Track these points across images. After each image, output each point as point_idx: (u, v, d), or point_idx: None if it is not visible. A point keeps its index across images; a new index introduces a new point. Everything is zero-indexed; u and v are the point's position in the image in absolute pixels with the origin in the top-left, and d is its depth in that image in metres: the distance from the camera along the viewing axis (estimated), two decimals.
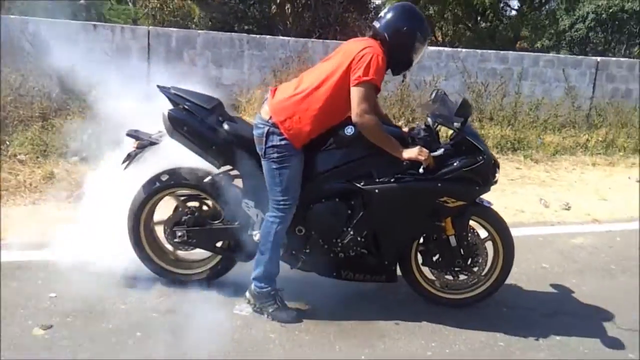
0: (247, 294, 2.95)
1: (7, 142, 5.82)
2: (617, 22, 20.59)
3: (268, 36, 9.41)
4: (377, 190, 2.81)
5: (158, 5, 18.67)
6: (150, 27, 8.71)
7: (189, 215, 3.07)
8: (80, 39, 7.88)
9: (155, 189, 3.03)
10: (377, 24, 2.90)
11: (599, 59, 10.45)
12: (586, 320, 3.16)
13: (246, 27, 13.80)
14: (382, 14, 2.95)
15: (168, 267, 3.17)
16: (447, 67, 9.43)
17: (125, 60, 8.32)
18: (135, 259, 3.14)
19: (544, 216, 5.18)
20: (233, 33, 9.19)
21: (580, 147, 8.26)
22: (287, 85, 2.97)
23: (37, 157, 5.67)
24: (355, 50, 2.77)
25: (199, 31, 9.34)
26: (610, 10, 20.18)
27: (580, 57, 11.14)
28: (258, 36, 9.24)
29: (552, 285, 3.58)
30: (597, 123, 9.36)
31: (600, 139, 8.60)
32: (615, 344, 2.91)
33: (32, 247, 3.70)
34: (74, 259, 3.28)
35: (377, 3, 16.68)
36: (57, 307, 2.86)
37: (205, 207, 3.15)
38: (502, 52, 10.19)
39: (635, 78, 10.37)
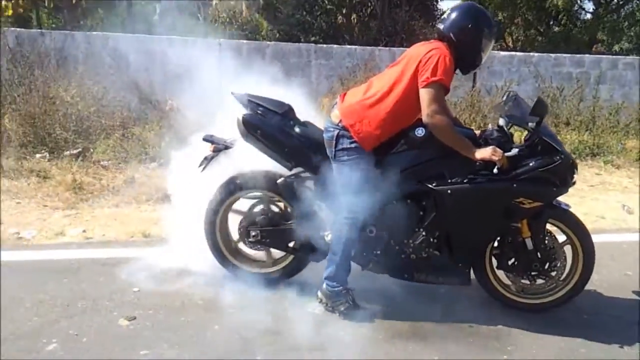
0: (319, 293, 2.98)
1: (91, 149, 6.19)
2: None
3: (335, 45, 9.52)
4: (449, 191, 2.78)
5: (227, 19, 19.40)
6: (221, 39, 9.01)
7: (262, 216, 3.14)
8: (157, 52, 8.27)
9: (230, 191, 3.14)
10: (441, 26, 2.89)
11: None
12: None
13: (313, 38, 14.07)
14: (446, 15, 2.94)
15: (243, 266, 3.26)
16: (519, 72, 9.20)
17: (198, 72, 8.67)
18: (212, 258, 3.26)
19: (627, 223, 4.92)
20: (301, 44, 9.36)
21: None
22: (357, 90, 3.01)
23: (119, 163, 5.99)
24: (422, 53, 2.77)
25: (268, 42, 9.58)
26: None
27: None
28: (325, 45, 9.37)
29: (636, 293, 3.39)
30: None
31: None
32: None
33: (116, 245, 3.94)
34: (156, 256, 3.45)
35: (443, 9, 16.47)
36: (140, 301, 3.01)
37: (277, 209, 3.21)
38: (577, 55, 9.82)
39: None
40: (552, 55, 9.66)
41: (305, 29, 13.38)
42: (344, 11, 14.53)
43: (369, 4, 14.28)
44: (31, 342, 2.59)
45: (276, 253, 3.27)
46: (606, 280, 3.50)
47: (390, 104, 2.79)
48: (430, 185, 2.81)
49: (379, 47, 9.69)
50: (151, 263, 3.39)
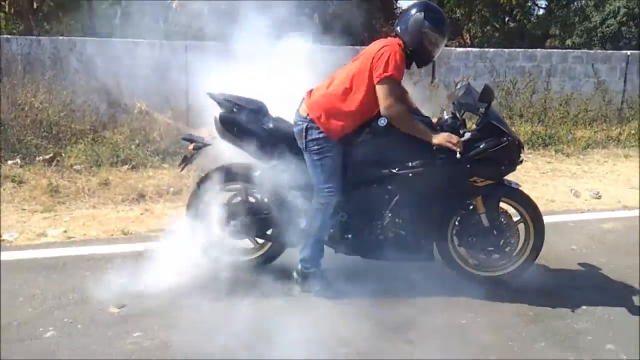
0: (295, 274, 3.25)
1: (63, 154, 6.28)
2: None
3: None
4: (410, 175, 3.08)
5: (189, 22, 19.43)
6: (188, 41, 9.13)
7: (241, 207, 3.38)
8: (123, 56, 8.35)
9: (209, 184, 3.36)
10: (396, 23, 3.19)
11: (629, 52, 10.44)
12: (611, 292, 3.37)
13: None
14: (400, 13, 3.22)
15: (224, 255, 3.48)
16: (476, 67, 9.59)
17: (165, 74, 8.78)
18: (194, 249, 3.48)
19: (574, 205, 5.35)
20: None
21: (612, 141, 8.34)
22: (321, 85, 3.27)
23: (91, 167, 6.10)
24: (374, 51, 3.06)
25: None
26: None
27: (610, 51, 11.13)
28: None
29: (580, 264, 3.77)
30: (628, 116, 9.39)
31: (632, 131, 8.64)
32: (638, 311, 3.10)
33: (98, 243, 4.11)
34: (137, 251, 3.66)
35: (402, 7, 16.89)
36: (127, 290, 3.20)
37: (255, 199, 3.46)
38: (529, 50, 10.31)
39: None
40: (506, 50, 10.10)
41: None
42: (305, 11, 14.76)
43: (331, 4, 14.59)
44: (30, 330, 2.78)
45: (255, 241, 3.52)
46: (554, 254, 3.86)
47: (351, 97, 3.08)
48: (393, 170, 3.11)
49: (343, 47, 9.97)
50: (135, 257, 3.58)
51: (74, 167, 6.11)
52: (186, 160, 3.39)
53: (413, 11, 3.14)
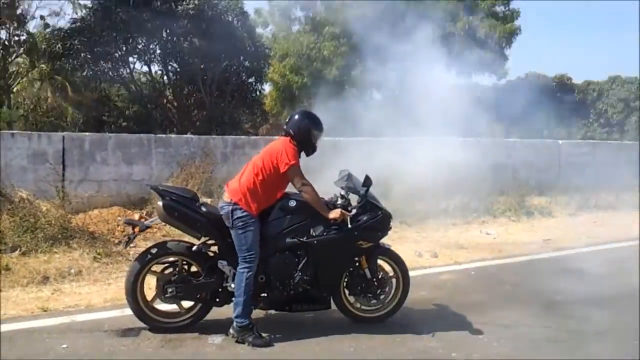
0: (231, 330, 4.04)
1: None
2: None
3: (173, 135, 10.60)
4: (315, 242, 4.15)
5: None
6: (65, 133, 9.50)
7: (176, 276, 4.15)
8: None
9: (148, 259, 4.11)
10: (286, 125, 4.32)
11: None
12: (453, 321, 4.66)
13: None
14: (288, 118, 4.39)
15: (160, 319, 4.17)
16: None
17: (42, 165, 9.00)
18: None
19: (419, 263, 6.77)
20: (142, 134, 10.23)
21: (443, 212, 10.19)
22: (235, 178, 4.28)
23: None
24: (276, 148, 4.17)
25: (110, 134, 10.27)
26: None
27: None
28: (164, 135, 10.40)
29: (430, 304, 5.06)
30: (451, 192, 11.49)
31: (456, 204, 10.62)
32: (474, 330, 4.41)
33: (26, 319, 4.52)
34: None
35: (262, 100, 18.50)
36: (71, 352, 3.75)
37: (188, 269, 4.23)
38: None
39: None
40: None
41: (141, 120, 14.28)
42: (175, 104, 15.71)
43: (195, 95, 15.73)
44: None
45: (186, 304, 4.25)
46: (410, 297, 5.01)
47: (262, 183, 4.10)
48: (302, 239, 4.15)
49: (213, 136, 11.00)
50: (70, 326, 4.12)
51: None
52: (130, 240, 4.11)
53: (298, 117, 4.31)
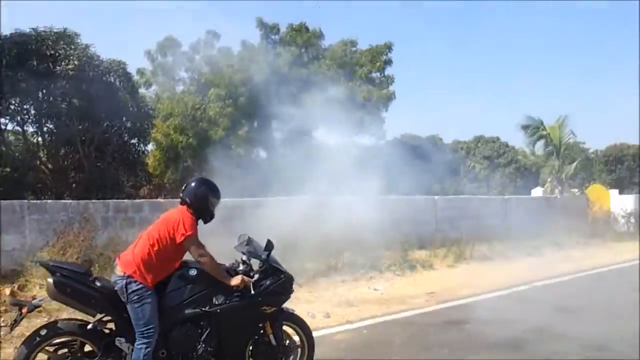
0: None
1: None
2: None
3: (49, 200, 9.94)
4: (218, 311, 4.06)
5: None
6: None
7: (69, 357, 3.85)
8: None
9: (37, 342, 3.79)
10: (182, 194, 4.27)
11: None
12: None
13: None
14: (184, 187, 4.34)
15: None
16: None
17: None
18: None
19: (312, 324, 6.78)
20: (14, 200, 9.50)
21: (332, 269, 10.42)
22: (128, 249, 4.14)
23: None
24: (172, 218, 4.11)
25: None
26: None
27: None
28: (39, 201, 9.72)
29: None
30: (339, 249, 11.81)
31: (345, 261, 10.91)
32: None
33: None
34: None
35: (145, 161, 17.97)
36: None
37: (83, 349, 3.94)
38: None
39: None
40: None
41: (12, 184, 13.17)
42: (50, 167, 14.76)
43: (72, 157, 14.91)
44: None
45: None
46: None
47: (158, 253, 3.99)
48: (204, 309, 4.03)
49: (93, 200, 10.46)
50: None
51: None
52: (17, 322, 3.79)
53: (194, 185, 4.28)
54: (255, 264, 4.41)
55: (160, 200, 13.41)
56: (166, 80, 21.51)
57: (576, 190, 27.56)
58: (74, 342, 3.95)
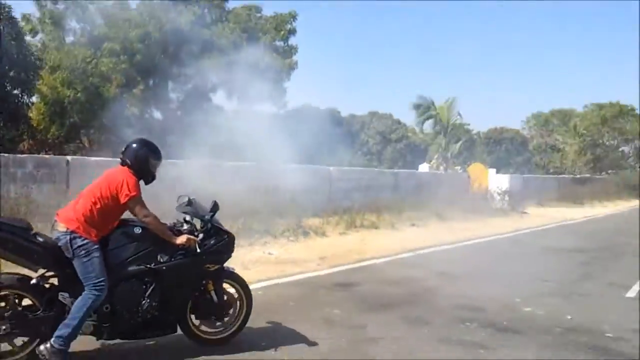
0: (42, 347, 3.71)
1: None
2: None
3: None
4: (164, 268, 4.12)
5: None
6: None
7: (10, 311, 3.72)
8: None
9: None
10: (122, 155, 4.24)
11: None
12: (289, 332, 5.00)
13: None
14: (124, 148, 4.29)
15: None
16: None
17: None
18: None
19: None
20: None
21: None
22: (68, 206, 4.09)
23: None
24: (115, 178, 4.08)
25: None
26: None
27: None
28: None
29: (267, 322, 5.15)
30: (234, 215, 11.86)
31: (240, 226, 10.97)
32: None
33: None
34: None
35: None
36: None
37: (24, 303, 3.82)
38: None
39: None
40: None
41: None
42: None
43: None
44: None
45: (19, 341, 3.83)
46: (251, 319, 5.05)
47: (101, 210, 3.98)
48: (149, 266, 4.08)
49: None
50: None
51: None
52: None
53: (135, 146, 4.25)
54: (197, 223, 4.49)
55: (45, 156, 12.62)
56: (55, 30, 19.91)
57: (459, 167, 29.68)
58: (12, 296, 3.81)
